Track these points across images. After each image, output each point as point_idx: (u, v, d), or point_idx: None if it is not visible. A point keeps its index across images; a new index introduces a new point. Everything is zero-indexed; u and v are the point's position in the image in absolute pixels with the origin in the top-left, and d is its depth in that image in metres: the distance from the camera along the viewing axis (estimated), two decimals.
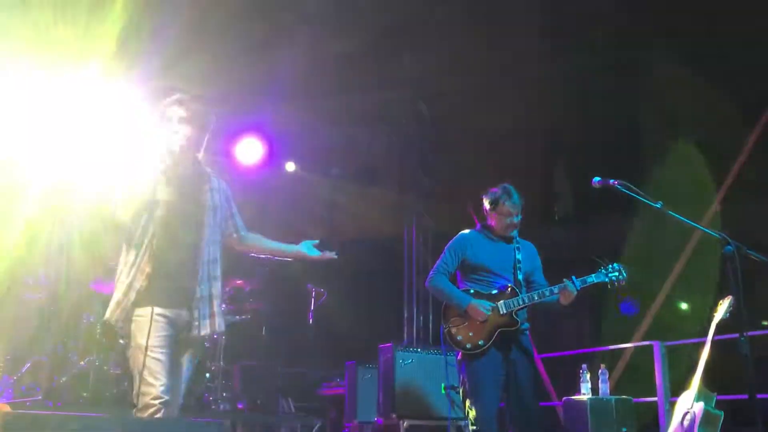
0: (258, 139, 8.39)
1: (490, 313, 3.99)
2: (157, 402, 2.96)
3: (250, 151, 8.36)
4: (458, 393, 5.47)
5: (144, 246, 3.14)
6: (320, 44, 9.92)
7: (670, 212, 3.55)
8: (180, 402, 3.21)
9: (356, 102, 9.79)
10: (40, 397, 5.18)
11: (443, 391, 5.46)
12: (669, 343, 5.95)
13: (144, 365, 3.01)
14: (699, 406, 4.36)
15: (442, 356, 5.59)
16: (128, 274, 3.15)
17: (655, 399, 5.83)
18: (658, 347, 5.89)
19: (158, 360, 3.04)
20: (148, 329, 3.02)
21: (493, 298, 4.07)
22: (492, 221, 4.27)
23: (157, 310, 3.09)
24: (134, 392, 3.04)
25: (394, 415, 5.23)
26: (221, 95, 8.11)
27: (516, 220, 4.21)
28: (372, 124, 9.55)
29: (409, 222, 9.61)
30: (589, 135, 8.95)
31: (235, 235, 3.50)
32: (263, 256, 3.59)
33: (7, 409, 3.50)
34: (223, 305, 5.85)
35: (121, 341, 5.49)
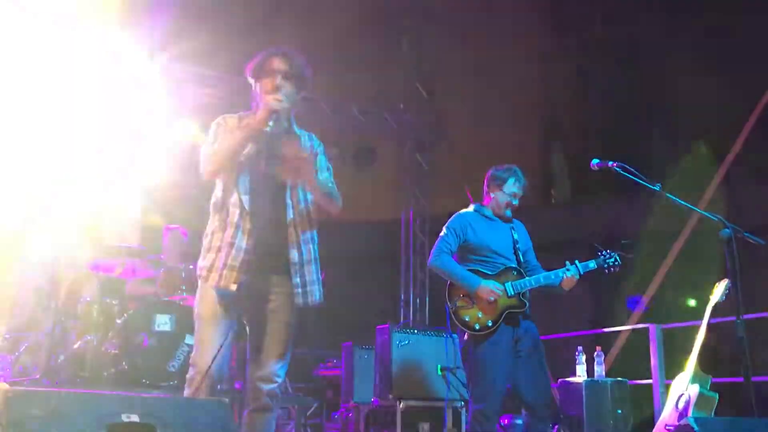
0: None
1: (500, 293, 3.95)
2: (197, 375, 2.88)
3: None
4: (455, 374, 5.51)
5: (242, 203, 2.97)
6: (318, 24, 9.87)
7: (669, 194, 3.56)
8: (278, 381, 3.07)
9: (354, 83, 9.76)
10: (38, 377, 5.20)
11: (440, 372, 5.49)
12: (665, 326, 5.98)
13: (208, 334, 2.95)
14: (694, 389, 4.39)
15: (440, 337, 5.62)
16: (230, 234, 2.96)
17: (650, 381, 5.87)
18: (653, 330, 5.92)
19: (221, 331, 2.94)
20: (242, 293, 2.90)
21: (498, 279, 4.02)
22: (492, 200, 4.23)
23: (246, 279, 2.92)
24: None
25: (390, 396, 5.26)
26: (217, 75, 8.09)
27: (515, 202, 4.21)
28: (369, 106, 9.52)
29: (406, 204, 9.62)
30: (588, 118, 8.94)
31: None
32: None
33: (6, 387, 3.52)
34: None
35: (118, 321, 5.53)
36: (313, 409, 6.92)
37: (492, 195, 4.24)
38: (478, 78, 9.88)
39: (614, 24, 9.39)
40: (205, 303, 3.03)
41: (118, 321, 5.51)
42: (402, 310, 9.33)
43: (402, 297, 9.37)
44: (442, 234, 4.19)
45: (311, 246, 3.14)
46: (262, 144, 3.00)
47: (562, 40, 9.65)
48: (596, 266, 4.02)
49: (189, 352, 5.46)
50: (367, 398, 5.89)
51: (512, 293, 3.98)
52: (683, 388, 4.46)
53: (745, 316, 3.19)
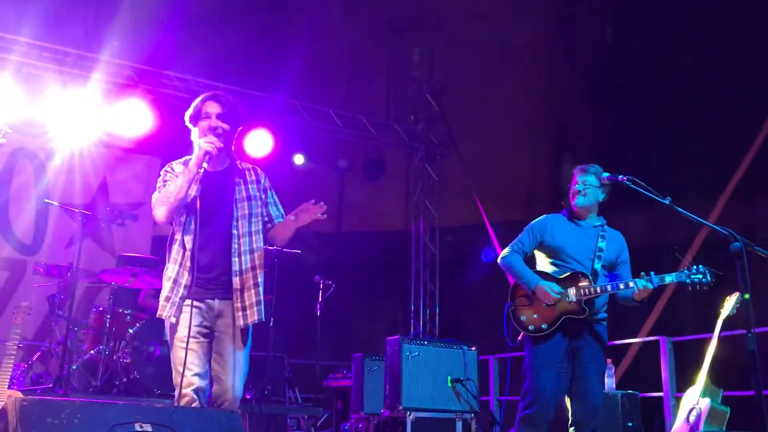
0: (267, 132, 8.41)
1: (558, 296, 3.79)
2: (187, 390, 3.08)
3: (258, 143, 8.39)
4: (465, 386, 5.50)
5: (184, 243, 3.24)
6: (329, 37, 9.94)
7: (678, 208, 3.56)
8: (236, 395, 3.25)
9: (364, 95, 9.82)
10: (50, 385, 5.24)
11: (450, 384, 5.48)
12: (676, 338, 5.95)
13: (175, 356, 3.17)
14: (705, 402, 4.37)
15: (450, 349, 5.61)
16: (173, 270, 3.26)
17: (661, 394, 5.84)
18: (664, 342, 5.89)
19: (192, 350, 3.14)
20: (186, 321, 3.14)
21: (562, 283, 3.87)
22: (570, 200, 4.07)
23: (195, 303, 3.19)
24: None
25: (400, 408, 5.26)
26: (230, 88, 8.16)
27: (581, 189, 3.98)
28: (380, 117, 9.57)
29: (416, 215, 9.63)
30: (598, 130, 8.93)
31: (269, 225, 3.49)
32: (284, 244, 3.63)
33: (20, 396, 3.55)
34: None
35: (130, 331, 5.57)
36: (323, 419, 6.92)
37: (570, 195, 4.08)
38: (488, 89, 9.90)
39: (625, 34, 9.40)
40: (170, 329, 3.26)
41: (130, 331, 5.55)
42: (412, 321, 9.32)
43: (412, 308, 9.36)
44: (520, 234, 4.11)
45: (254, 273, 3.34)
46: (205, 184, 3.26)
47: (573, 51, 9.66)
48: (678, 281, 3.72)
49: None
50: (377, 409, 5.89)
51: (573, 299, 3.81)
52: (694, 401, 4.45)
53: (757, 330, 3.17)
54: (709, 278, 3.65)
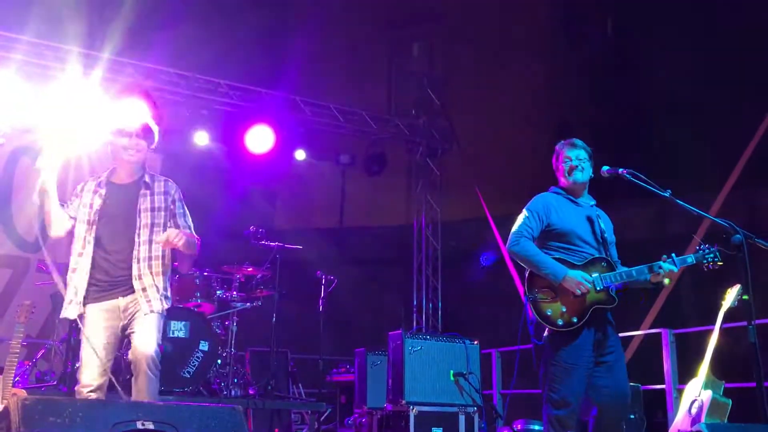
0: (268, 128, 8.42)
1: (590, 287, 3.53)
2: (84, 390, 3.39)
3: (260, 139, 8.40)
4: (467, 380, 5.51)
5: (88, 250, 3.52)
6: (329, 32, 9.93)
7: (678, 201, 3.56)
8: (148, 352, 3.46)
9: (365, 90, 9.81)
10: (54, 383, 5.26)
11: (452, 378, 5.50)
12: (677, 330, 5.96)
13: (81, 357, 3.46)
14: (707, 394, 4.37)
15: (452, 343, 5.62)
16: (79, 274, 3.53)
17: (663, 387, 5.85)
18: (666, 335, 5.90)
19: (90, 351, 3.40)
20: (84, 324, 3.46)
21: (586, 270, 3.60)
22: (560, 179, 3.85)
23: (97, 305, 3.49)
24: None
25: (403, 402, 5.27)
26: (231, 84, 8.17)
27: (576, 164, 3.76)
28: (381, 112, 9.56)
29: (418, 210, 9.64)
30: (599, 121, 8.91)
31: None
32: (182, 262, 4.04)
33: (24, 394, 3.57)
34: (218, 292, 6.13)
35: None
36: (326, 414, 6.94)
37: (559, 174, 3.85)
38: (489, 83, 9.89)
39: (626, 26, 9.38)
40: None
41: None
42: (414, 316, 9.34)
43: (414, 303, 9.38)
44: (521, 217, 3.75)
45: (156, 272, 3.60)
46: (113, 197, 3.61)
47: (574, 43, 9.63)
48: (695, 261, 3.60)
49: (203, 359, 5.52)
50: (380, 403, 5.91)
51: (601, 287, 3.56)
52: (696, 393, 4.45)
53: (758, 322, 3.18)
54: (719, 257, 3.56)
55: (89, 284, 3.50)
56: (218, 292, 6.22)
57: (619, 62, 9.25)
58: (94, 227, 3.55)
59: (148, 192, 3.66)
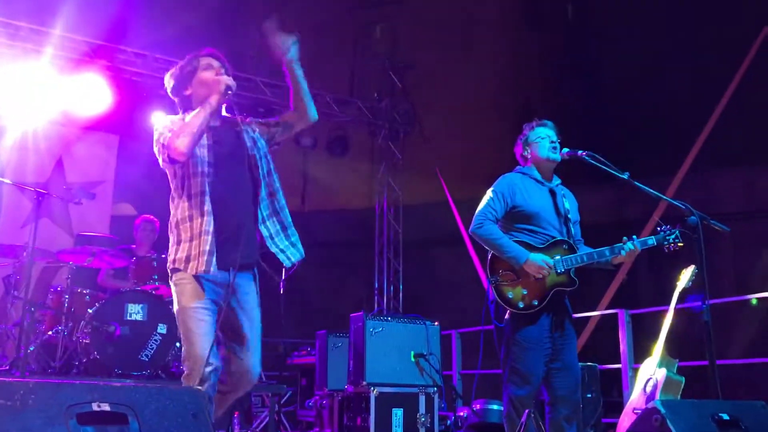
0: (227, 109, 8.28)
1: (551, 270, 3.57)
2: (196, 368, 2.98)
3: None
4: (428, 361, 5.54)
5: (204, 194, 3.04)
6: (291, 12, 9.78)
7: (636, 183, 3.61)
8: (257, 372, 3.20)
9: (327, 72, 9.72)
10: (7, 368, 5.14)
11: (413, 359, 5.52)
12: (633, 311, 6.08)
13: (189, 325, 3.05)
14: (661, 372, 4.47)
15: (413, 324, 5.64)
16: (197, 226, 3.03)
17: (619, 366, 5.97)
18: (623, 315, 6.01)
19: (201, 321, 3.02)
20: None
21: (547, 253, 3.61)
22: (532, 157, 3.82)
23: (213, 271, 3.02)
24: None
25: (364, 383, 5.28)
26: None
27: (555, 141, 3.77)
28: (343, 95, 9.50)
29: (380, 193, 9.63)
30: (562, 106, 9.00)
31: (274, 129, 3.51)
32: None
33: None
34: None
35: (89, 311, 5.47)
36: (287, 396, 6.93)
37: (530, 153, 3.82)
38: (451, 66, 9.89)
39: (585, 11, 9.46)
40: (187, 294, 3.09)
41: (90, 311, 5.45)
42: (376, 298, 9.36)
43: (376, 285, 9.39)
44: (486, 198, 3.73)
45: (282, 214, 3.27)
46: (213, 135, 3.16)
47: (536, 28, 9.69)
48: (656, 243, 3.60)
49: (161, 342, 5.44)
50: (341, 385, 5.91)
51: (562, 270, 3.58)
52: (651, 372, 4.55)
53: (711, 302, 3.25)
54: (680, 239, 3.57)
55: (211, 238, 3.04)
56: None
57: (579, 47, 9.33)
58: (205, 165, 3.15)
59: (240, 129, 3.34)
